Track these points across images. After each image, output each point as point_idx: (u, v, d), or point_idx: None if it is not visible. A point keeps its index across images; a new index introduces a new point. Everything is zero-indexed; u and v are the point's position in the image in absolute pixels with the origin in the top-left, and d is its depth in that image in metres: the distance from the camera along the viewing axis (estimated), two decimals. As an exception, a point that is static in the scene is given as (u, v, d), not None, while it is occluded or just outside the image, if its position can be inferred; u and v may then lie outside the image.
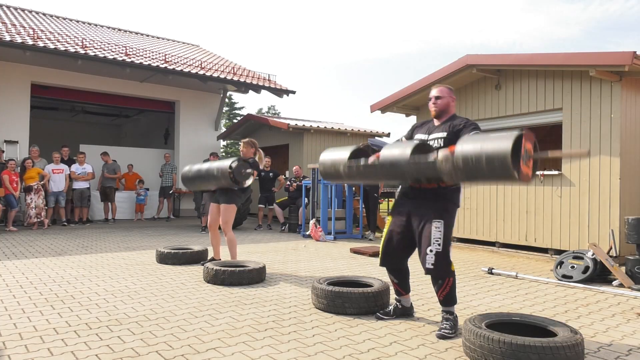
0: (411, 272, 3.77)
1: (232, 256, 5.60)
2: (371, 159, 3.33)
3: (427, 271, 3.27)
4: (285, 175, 11.59)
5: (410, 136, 3.63)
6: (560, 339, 2.59)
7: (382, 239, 3.57)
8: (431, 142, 3.36)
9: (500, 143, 2.64)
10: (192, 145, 14.00)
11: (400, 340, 3.13)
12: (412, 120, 9.16)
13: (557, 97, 6.80)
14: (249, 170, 5.19)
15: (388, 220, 3.58)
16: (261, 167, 5.72)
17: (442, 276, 3.27)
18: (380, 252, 3.58)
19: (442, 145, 3.27)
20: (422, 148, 3.14)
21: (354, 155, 3.49)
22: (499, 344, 2.58)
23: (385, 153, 3.22)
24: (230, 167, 5.08)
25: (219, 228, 5.66)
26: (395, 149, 3.17)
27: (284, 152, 13.30)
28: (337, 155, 3.58)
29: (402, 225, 3.43)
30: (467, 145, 2.79)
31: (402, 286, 3.62)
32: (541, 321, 2.95)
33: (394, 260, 3.53)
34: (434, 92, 3.51)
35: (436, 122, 3.47)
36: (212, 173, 5.29)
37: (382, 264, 3.58)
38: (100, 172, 11.63)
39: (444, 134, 3.33)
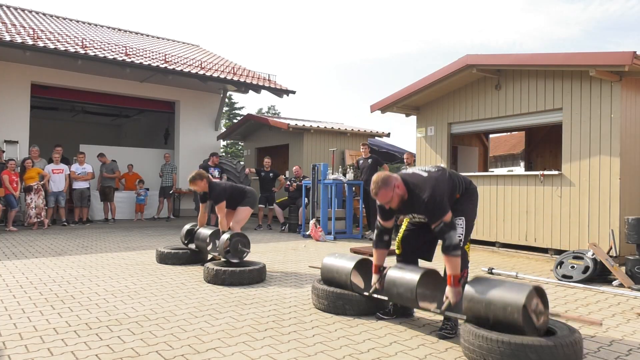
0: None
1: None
2: (376, 285, 3.49)
3: None
4: (285, 175, 11.59)
5: (383, 210, 3.46)
6: (559, 338, 2.59)
7: (400, 234, 3.63)
8: (416, 220, 3.46)
9: (511, 306, 2.69)
10: (192, 145, 14.00)
11: (400, 340, 3.13)
12: (412, 120, 9.16)
13: (557, 97, 6.80)
14: (245, 249, 5.23)
15: (406, 219, 3.62)
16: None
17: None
18: (397, 247, 3.63)
19: (427, 219, 3.29)
20: (425, 282, 3.22)
21: (357, 266, 3.66)
22: (498, 343, 2.58)
23: (391, 291, 3.31)
24: (228, 245, 5.08)
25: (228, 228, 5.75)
26: (400, 289, 3.23)
27: (284, 152, 13.29)
28: (340, 275, 3.72)
29: (421, 222, 3.50)
30: (476, 302, 2.85)
31: None
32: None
33: (410, 253, 3.59)
34: (379, 200, 3.28)
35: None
36: (209, 244, 5.55)
37: (399, 258, 3.62)
38: (98, 173, 11.63)
39: (423, 217, 3.33)
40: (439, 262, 3.55)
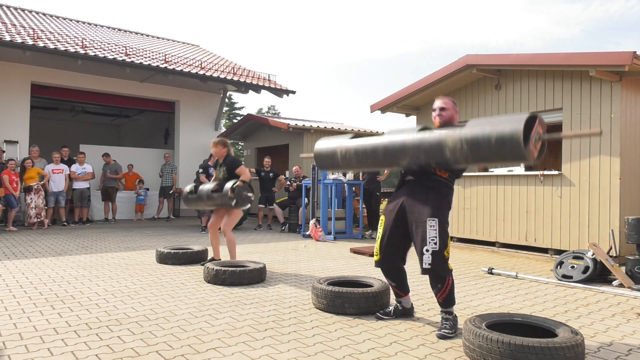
0: (409, 272, 3.78)
1: (232, 256, 5.61)
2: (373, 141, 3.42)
3: (424, 271, 3.24)
4: (285, 175, 11.59)
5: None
6: (560, 340, 2.59)
7: (378, 239, 3.54)
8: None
9: (512, 122, 2.69)
10: (192, 145, 14.00)
11: (400, 340, 3.13)
12: (412, 120, 9.16)
13: (557, 97, 6.80)
14: (250, 195, 5.28)
15: (382, 219, 3.53)
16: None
17: (441, 277, 3.23)
18: (376, 253, 3.53)
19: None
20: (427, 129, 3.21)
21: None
22: (497, 344, 2.58)
23: (389, 135, 3.29)
24: (232, 189, 5.15)
25: (219, 229, 5.69)
26: (400, 132, 3.24)
27: (284, 152, 13.29)
28: (335, 141, 3.60)
29: (396, 223, 3.41)
30: (477, 125, 2.83)
31: (401, 288, 3.61)
32: (542, 322, 2.95)
33: (391, 259, 3.49)
34: (438, 103, 3.49)
35: None
36: (212, 196, 5.41)
37: (378, 264, 3.54)
38: (100, 173, 11.65)
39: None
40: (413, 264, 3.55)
